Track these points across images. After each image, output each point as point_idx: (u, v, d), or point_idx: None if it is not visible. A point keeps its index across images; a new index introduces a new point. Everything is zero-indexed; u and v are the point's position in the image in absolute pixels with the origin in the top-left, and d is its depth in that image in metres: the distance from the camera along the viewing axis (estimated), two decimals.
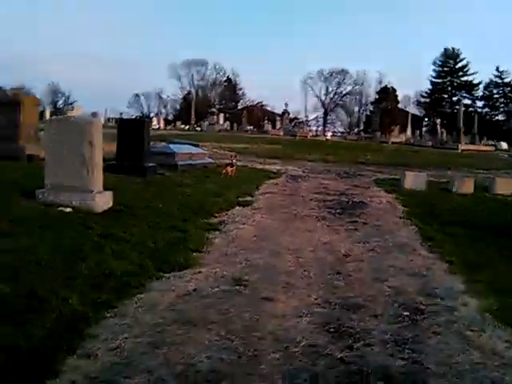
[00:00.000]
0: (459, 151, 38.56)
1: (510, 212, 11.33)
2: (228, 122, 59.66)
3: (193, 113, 57.11)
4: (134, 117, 58.35)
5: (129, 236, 6.56)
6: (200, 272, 5.54)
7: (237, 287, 5.11)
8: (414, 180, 14.64)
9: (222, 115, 61.00)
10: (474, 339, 4.14)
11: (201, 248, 6.50)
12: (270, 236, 7.56)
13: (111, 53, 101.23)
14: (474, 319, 4.58)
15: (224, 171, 13.79)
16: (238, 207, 9.72)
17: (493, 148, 45.58)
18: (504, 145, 49.37)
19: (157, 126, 51.79)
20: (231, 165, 14.03)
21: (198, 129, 52.05)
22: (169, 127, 55.75)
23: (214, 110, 60.41)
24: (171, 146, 16.42)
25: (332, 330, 4.21)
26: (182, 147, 16.62)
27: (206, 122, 55.36)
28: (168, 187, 11.18)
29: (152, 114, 71.87)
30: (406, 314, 4.64)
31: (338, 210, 10.09)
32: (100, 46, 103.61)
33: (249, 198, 10.90)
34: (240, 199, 10.65)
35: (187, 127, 55.00)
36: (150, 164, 13.19)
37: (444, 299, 5.11)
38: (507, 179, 15.54)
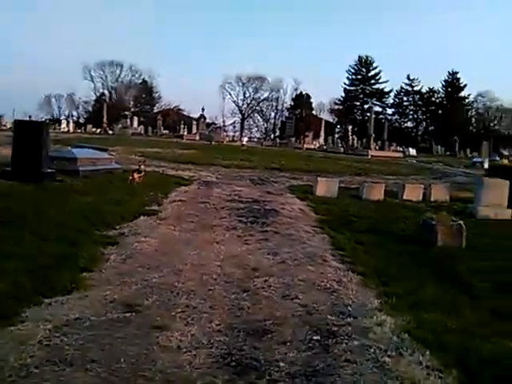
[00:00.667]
0: (369, 157, 39.84)
1: (419, 218, 11.46)
2: (142, 126, 58.06)
3: (105, 116, 54.92)
4: (44, 119, 55.16)
5: (9, 250, 5.69)
6: (87, 296, 4.82)
7: (127, 314, 4.44)
8: (326, 187, 14.58)
9: (135, 118, 59.27)
10: (391, 367, 3.76)
11: (92, 266, 5.76)
12: (173, 250, 6.93)
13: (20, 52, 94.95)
14: (391, 342, 4.22)
15: (131, 178, 12.93)
16: (142, 217, 8.99)
17: (401, 154, 47.56)
18: (412, 151, 51.74)
19: (65, 129, 49.26)
20: (138, 171, 13.18)
21: (111, 132, 50.06)
22: (79, 131, 53.18)
23: (126, 112, 58.31)
24: (74, 150, 15.26)
25: (233, 363, 3.68)
26: (85, 152, 15.52)
27: (120, 126, 53.44)
28: (65, 195, 10.21)
29: (63, 117, 68.35)
30: (316, 338, 4.22)
31: (249, 219, 9.64)
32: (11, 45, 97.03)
33: (155, 207, 10.18)
34: (146, 208, 9.92)
35: (98, 131, 52.76)
36: (49, 170, 12.12)
37: (357, 318, 4.75)
38: (415, 186, 15.92)
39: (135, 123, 57.23)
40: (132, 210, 9.45)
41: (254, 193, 13.99)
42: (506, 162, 35.25)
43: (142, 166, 13.58)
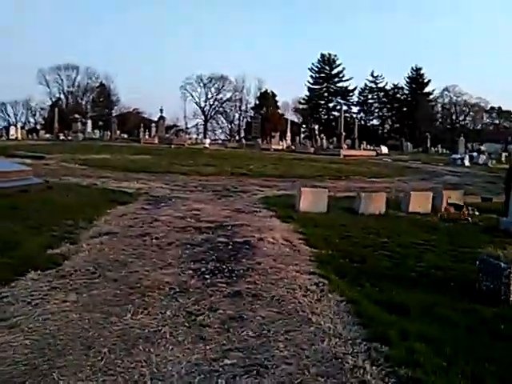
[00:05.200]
0: (341, 157, 36.95)
1: (447, 245, 8.17)
2: (98, 130, 53.72)
3: (56, 121, 50.75)
4: None
5: None
6: None
7: None
8: (312, 199, 11.18)
9: (89, 122, 54.88)
10: None
11: None
12: (54, 368, 3.37)
13: None
14: None
15: None
16: (31, 274, 5.37)
17: (374, 153, 44.84)
18: (384, 149, 49.13)
19: (14, 137, 44.49)
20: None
21: (62, 138, 45.63)
22: (30, 137, 48.40)
23: (77, 116, 53.81)
24: None
25: None
26: None
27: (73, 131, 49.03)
28: None
29: (19, 124, 62.83)
30: None
31: (210, 266, 6.09)
32: None
33: (64, 249, 6.53)
34: (48, 252, 6.30)
35: (49, 136, 48.20)
36: None
37: None
38: (422, 193, 12.69)
39: (89, 127, 52.82)
40: (20, 259, 5.80)
41: (219, 212, 10.42)
42: None
43: None
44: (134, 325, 4.14)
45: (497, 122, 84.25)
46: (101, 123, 61.32)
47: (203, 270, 5.93)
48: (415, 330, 4.21)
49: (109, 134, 49.95)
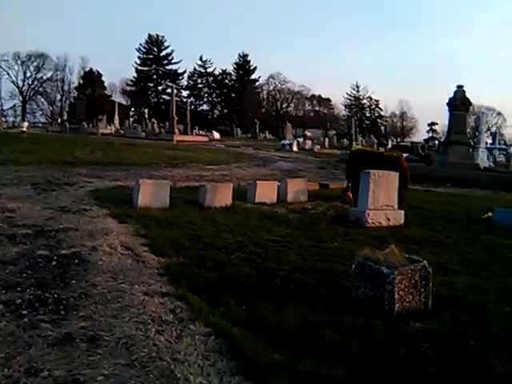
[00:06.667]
0: (175, 142, 35.77)
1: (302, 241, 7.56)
2: None
3: None
4: None
5: None
6: None
7: None
8: (152, 192, 9.87)
9: None
10: None
11: None
12: None
13: None
14: None
15: None
16: None
17: (207, 138, 44.41)
18: (217, 134, 49.07)
19: None
20: None
21: None
22: None
23: None
24: None
25: None
26: None
27: None
28: None
29: None
30: None
31: (27, 295, 4.47)
32: None
33: None
34: None
35: None
36: None
37: None
38: (268, 182, 12.16)
39: None
40: None
41: (39, 212, 8.53)
42: (358, 146, 34.27)
43: None
44: None
45: (317, 109, 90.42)
46: None
47: (18, 302, 4.36)
48: (307, 372, 3.31)
49: None
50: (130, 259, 5.93)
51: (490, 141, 56.79)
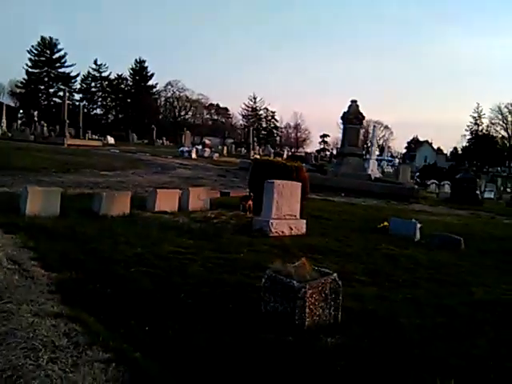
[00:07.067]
0: (66, 146, 33.95)
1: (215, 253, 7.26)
2: None
3: None
4: None
5: None
6: None
7: None
8: (41, 200, 9.04)
9: None
10: None
11: None
12: None
13: None
14: None
15: None
16: None
17: (100, 143, 42.66)
18: (111, 139, 47.34)
19: None
20: None
21: None
22: None
23: None
24: None
25: None
26: None
27: None
28: None
29: None
30: None
31: None
32: None
33: None
34: None
35: None
36: None
37: None
38: (170, 191, 11.69)
39: None
40: None
41: None
42: (257, 155, 34.19)
43: None
44: None
45: (215, 117, 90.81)
46: None
47: None
48: None
49: None
50: (17, 275, 5.27)
51: (377, 152, 60.49)
